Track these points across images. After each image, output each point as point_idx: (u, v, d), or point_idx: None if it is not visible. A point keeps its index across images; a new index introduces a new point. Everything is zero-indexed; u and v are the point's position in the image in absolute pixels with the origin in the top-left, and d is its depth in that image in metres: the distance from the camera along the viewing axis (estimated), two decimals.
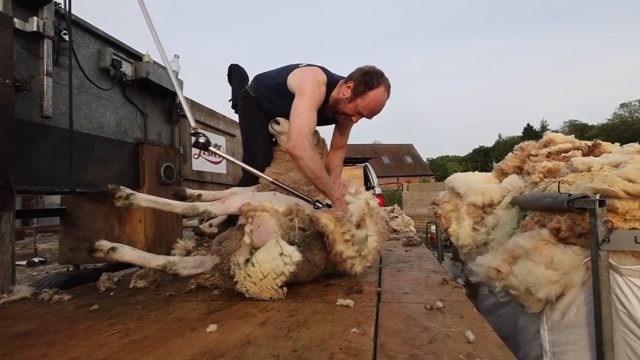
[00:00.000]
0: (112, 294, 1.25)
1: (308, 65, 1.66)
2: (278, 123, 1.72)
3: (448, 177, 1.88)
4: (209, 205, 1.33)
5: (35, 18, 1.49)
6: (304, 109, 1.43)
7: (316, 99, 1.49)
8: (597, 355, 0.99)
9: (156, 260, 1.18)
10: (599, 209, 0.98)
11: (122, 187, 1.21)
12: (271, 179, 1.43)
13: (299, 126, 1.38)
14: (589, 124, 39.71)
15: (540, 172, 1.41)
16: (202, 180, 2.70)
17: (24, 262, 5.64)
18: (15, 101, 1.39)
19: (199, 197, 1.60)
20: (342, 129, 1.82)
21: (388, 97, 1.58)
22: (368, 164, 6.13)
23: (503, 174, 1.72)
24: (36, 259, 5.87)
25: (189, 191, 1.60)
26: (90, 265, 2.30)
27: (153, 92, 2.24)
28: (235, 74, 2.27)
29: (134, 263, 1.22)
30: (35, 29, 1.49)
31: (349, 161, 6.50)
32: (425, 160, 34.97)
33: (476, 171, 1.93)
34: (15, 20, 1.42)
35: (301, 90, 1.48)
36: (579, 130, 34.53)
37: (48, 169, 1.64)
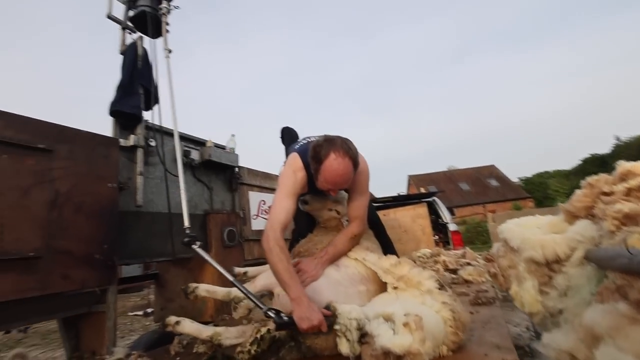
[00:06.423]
0: (178, 359, 1.45)
1: (294, 151, 1.67)
2: (306, 202, 1.80)
3: (499, 226, 1.62)
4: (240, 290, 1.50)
5: (132, 136, 2.03)
6: (275, 202, 1.51)
7: (288, 188, 1.53)
8: None
9: (206, 332, 1.38)
10: None
11: (189, 284, 1.60)
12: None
13: (269, 220, 1.47)
14: None
15: (615, 218, 1.13)
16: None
17: (141, 313, 6.69)
18: (119, 198, 1.86)
19: (245, 275, 1.76)
20: (350, 199, 1.69)
21: (351, 159, 1.43)
22: (436, 199, 5.59)
23: (574, 217, 1.41)
24: (149, 310, 6.90)
25: (236, 269, 1.77)
26: None
27: (215, 168, 2.68)
28: (287, 136, 2.52)
29: (191, 334, 1.43)
30: (132, 143, 2.02)
31: (407, 200, 5.52)
32: (516, 180, 30.43)
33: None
34: (120, 140, 1.97)
35: (278, 183, 1.61)
36: None
37: (141, 244, 2.08)
